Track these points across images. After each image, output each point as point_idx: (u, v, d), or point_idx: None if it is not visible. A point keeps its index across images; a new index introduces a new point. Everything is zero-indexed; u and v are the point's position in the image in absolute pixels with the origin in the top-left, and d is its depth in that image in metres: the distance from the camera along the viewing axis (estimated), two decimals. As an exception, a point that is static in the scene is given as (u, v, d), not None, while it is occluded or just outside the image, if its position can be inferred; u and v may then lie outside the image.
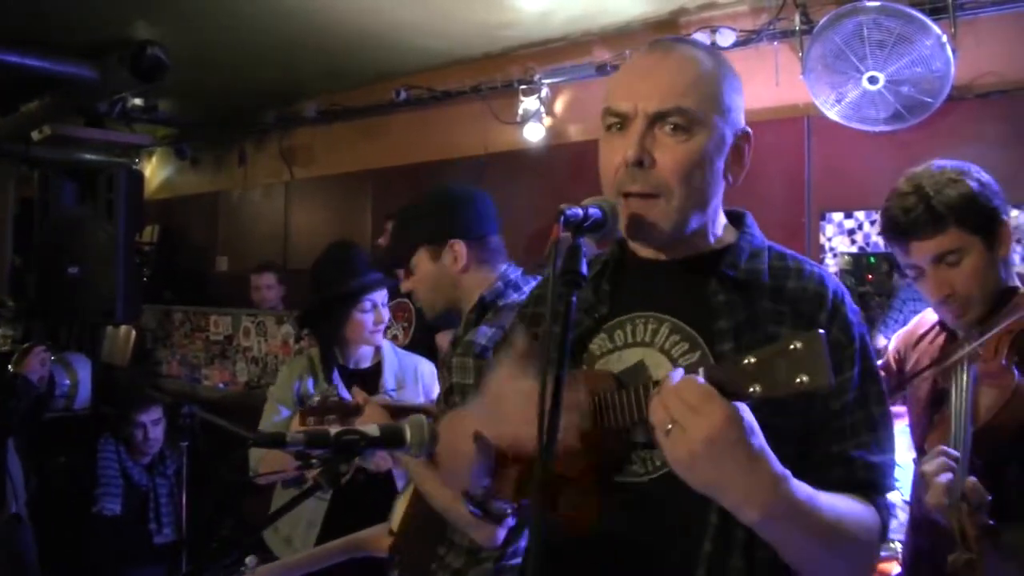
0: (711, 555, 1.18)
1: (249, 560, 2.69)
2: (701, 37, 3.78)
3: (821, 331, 0.97)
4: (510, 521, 1.43)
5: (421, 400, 2.77)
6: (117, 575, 4.31)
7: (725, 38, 3.77)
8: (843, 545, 1.17)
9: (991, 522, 1.51)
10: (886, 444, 1.27)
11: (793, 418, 1.18)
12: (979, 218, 1.74)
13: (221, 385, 5.74)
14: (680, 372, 1.06)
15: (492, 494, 1.31)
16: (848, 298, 1.32)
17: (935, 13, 3.17)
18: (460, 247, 2.05)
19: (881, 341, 3.58)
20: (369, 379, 2.88)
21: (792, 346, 0.98)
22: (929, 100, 3.14)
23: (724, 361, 1.17)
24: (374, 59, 4.79)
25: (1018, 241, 3.14)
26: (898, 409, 2.12)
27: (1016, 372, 1.62)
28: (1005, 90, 3.27)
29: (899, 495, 2.92)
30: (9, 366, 3.73)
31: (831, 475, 1.21)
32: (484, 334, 1.91)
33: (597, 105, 1.33)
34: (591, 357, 1.32)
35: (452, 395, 1.90)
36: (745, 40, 3.78)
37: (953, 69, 3.09)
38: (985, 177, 1.80)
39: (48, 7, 3.98)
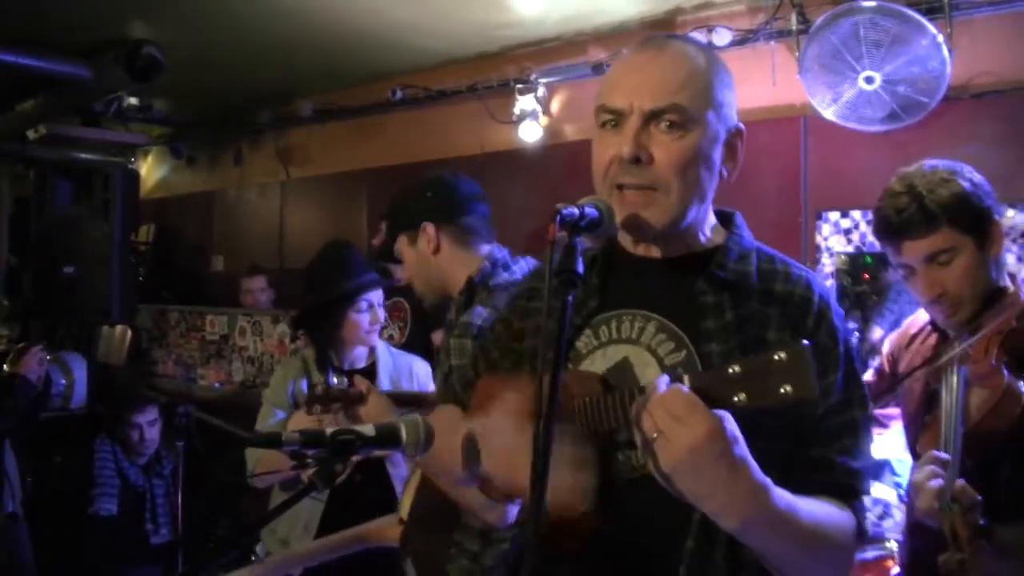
0: (693, 552, 1.20)
1: (259, 548, 2.68)
2: (697, 37, 3.78)
3: (806, 342, 0.99)
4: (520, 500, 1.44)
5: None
6: (113, 575, 4.31)
7: (721, 37, 3.78)
8: (821, 551, 1.19)
9: (982, 522, 1.52)
10: (866, 449, 1.30)
11: (780, 417, 1.19)
12: (971, 218, 1.75)
13: (217, 385, 5.74)
14: (666, 380, 1.07)
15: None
16: (834, 303, 1.34)
17: (931, 13, 3.18)
18: (431, 229, 2.12)
19: (877, 332, 3.61)
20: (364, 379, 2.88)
21: (777, 357, 1.00)
22: (925, 100, 3.14)
23: (710, 369, 1.19)
24: (370, 59, 4.79)
25: (1013, 240, 3.15)
26: (892, 411, 2.12)
27: (1006, 372, 1.63)
28: (1001, 90, 3.27)
29: (896, 494, 2.93)
30: (4, 366, 3.71)
31: (813, 477, 1.24)
32: (480, 315, 1.94)
33: (593, 105, 1.33)
34: (577, 355, 1.33)
35: (451, 376, 1.91)
36: (741, 40, 3.79)
37: (949, 69, 3.09)
38: (977, 177, 1.80)
39: (44, 7, 3.97)
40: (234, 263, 6.30)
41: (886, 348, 2.13)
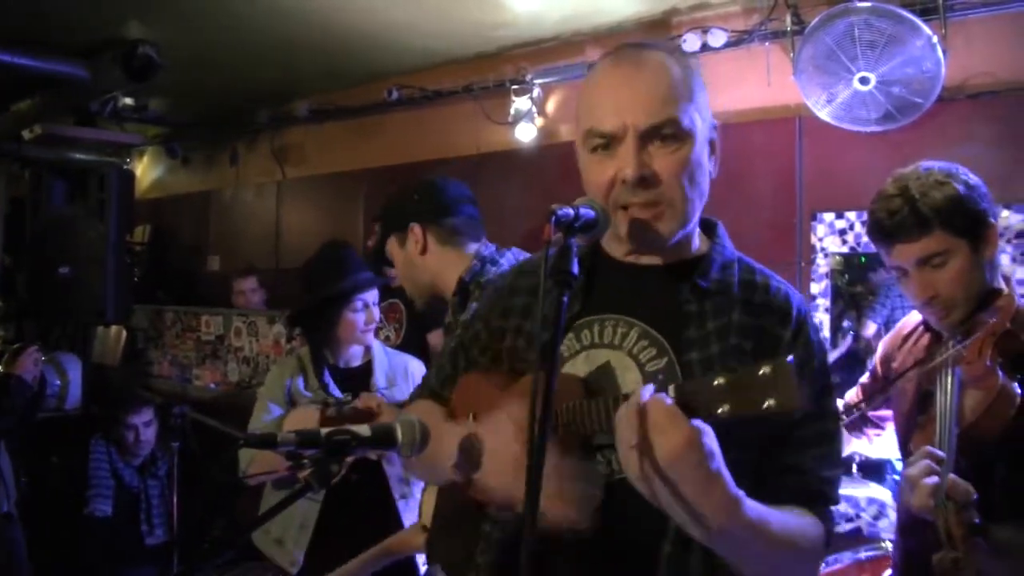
0: (671, 556, 1.22)
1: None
2: (692, 37, 3.80)
3: (790, 359, 0.99)
4: None
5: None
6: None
7: (717, 38, 3.78)
8: (789, 559, 1.22)
9: (977, 520, 1.52)
10: (837, 458, 1.34)
11: (754, 428, 1.20)
12: (965, 221, 1.74)
13: (212, 385, 5.73)
14: (651, 389, 1.08)
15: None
16: (811, 316, 1.36)
17: (925, 14, 3.18)
18: (417, 230, 2.16)
19: (871, 328, 3.63)
20: (360, 378, 2.89)
21: (762, 371, 1.01)
22: (920, 100, 3.15)
23: (690, 377, 1.21)
24: (367, 59, 4.78)
25: (1008, 241, 3.16)
26: (887, 412, 2.13)
27: (1000, 373, 1.63)
28: (995, 91, 3.28)
29: (890, 495, 2.94)
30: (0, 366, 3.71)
31: (786, 482, 1.27)
32: None
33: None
34: (559, 359, 1.32)
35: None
36: (737, 40, 3.78)
37: (944, 70, 3.10)
38: (973, 179, 1.79)
39: (42, 6, 3.96)
40: (230, 263, 6.29)
41: (879, 351, 2.13)
